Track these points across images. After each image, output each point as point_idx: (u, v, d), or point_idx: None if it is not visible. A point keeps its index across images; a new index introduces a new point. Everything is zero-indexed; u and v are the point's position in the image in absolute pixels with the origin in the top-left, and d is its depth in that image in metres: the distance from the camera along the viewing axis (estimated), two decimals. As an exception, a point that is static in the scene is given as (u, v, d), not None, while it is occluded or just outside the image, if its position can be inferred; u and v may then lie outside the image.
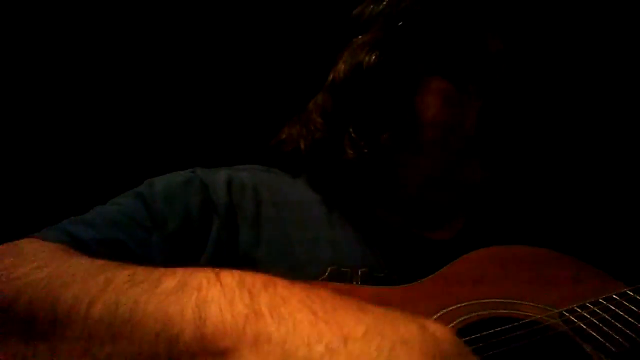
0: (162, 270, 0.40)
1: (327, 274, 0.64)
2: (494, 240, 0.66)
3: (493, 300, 0.56)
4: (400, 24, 0.73)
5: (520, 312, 0.55)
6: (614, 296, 0.56)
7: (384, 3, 0.75)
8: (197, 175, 0.72)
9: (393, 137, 0.72)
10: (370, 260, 0.68)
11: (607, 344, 0.51)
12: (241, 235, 0.68)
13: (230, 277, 0.37)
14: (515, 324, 0.53)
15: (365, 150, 0.71)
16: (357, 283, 0.63)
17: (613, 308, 0.54)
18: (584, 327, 0.53)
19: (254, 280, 0.37)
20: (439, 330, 0.34)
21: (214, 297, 0.35)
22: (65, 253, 0.50)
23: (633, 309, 0.54)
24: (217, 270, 0.38)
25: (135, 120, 1.07)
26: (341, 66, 0.75)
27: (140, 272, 0.40)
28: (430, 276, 0.61)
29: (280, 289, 0.36)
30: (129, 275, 0.39)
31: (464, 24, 0.74)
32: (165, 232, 0.64)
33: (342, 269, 0.65)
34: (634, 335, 0.51)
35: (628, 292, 0.56)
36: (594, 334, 0.52)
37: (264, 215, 0.71)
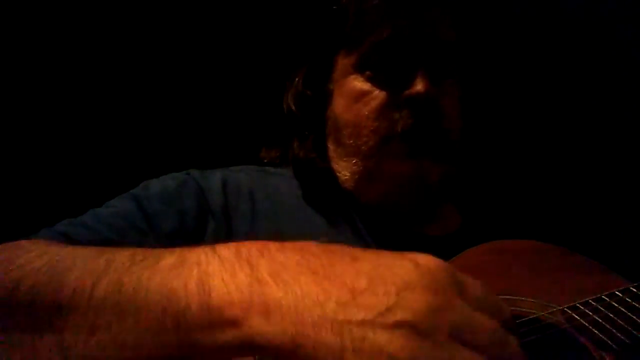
0: (160, 249, 0.40)
1: None
2: (493, 235, 0.66)
3: (494, 297, 0.56)
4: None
5: (522, 309, 0.55)
6: (616, 292, 0.55)
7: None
8: (192, 178, 0.72)
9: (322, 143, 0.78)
10: None
11: (608, 341, 0.50)
12: (237, 236, 0.67)
13: (226, 250, 0.38)
14: (517, 321, 0.52)
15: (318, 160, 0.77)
16: None
17: (615, 305, 0.53)
18: (586, 324, 0.52)
19: (250, 249, 0.37)
20: (430, 262, 0.35)
21: (214, 269, 0.36)
22: (62, 244, 0.51)
23: (635, 306, 0.53)
24: (212, 245, 0.39)
25: (131, 123, 1.07)
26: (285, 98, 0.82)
27: (140, 251, 0.40)
28: None
29: (275, 253, 0.37)
30: (129, 255, 0.40)
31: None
32: (161, 235, 0.63)
33: None
34: (635, 332, 0.50)
35: (631, 288, 0.56)
36: (596, 331, 0.51)
37: (260, 216, 0.70)
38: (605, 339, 0.50)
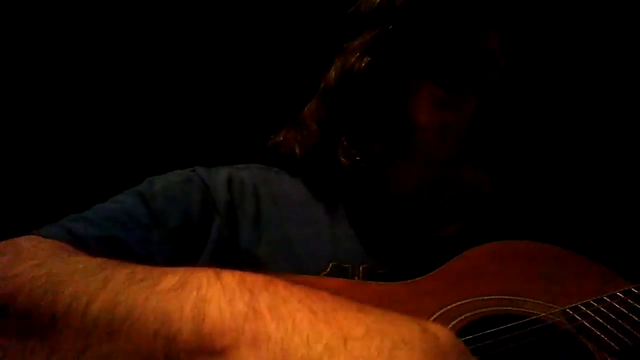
0: (161, 269, 0.39)
1: (328, 269, 0.64)
2: (496, 235, 0.66)
3: (496, 297, 0.56)
4: (390, 27, 0.70)
5: (524, 310, 0.54)
6: (618, 294, 0.55)
7: (375, 4, 0.72)
8: (198, 174, 0.72)
9: (386, 145, 0.72)
10: (371, 256, 0.68)
11: (610, 342, 0.50)
12: (242, 233, 0.67)
13: (230, 277, 0.36)
14: (519, 322, 0.52)
15: (358, 158, 0.71)
16: (358, 279, 0.63)
17: (617, 306, 0.54)
18: (588, 325, 0.52)
19: (255, 280, 0.36)
20: (440, 331, 0.33)
21: (213, 295, 0.35)
22: (64, 251, 0.50)
23: (637, 307, 0.53)
24: (217, 269, 0.38)
25: (136, 120, 1.08)
26: (332, 73, 0.74)
27: (140, 270, 0.39)
28: (432, 272, 0.61)
29: (280, 288, 0.35)
30: (128, 274, 0.39)
31: (457, 23, 0.71)
32: (165, 231, 0.64)
33: (344, 265, 0.64)
34: (637, 334, 0.50)
35: (633, 289, 0.56)
36: (598, 332, 0.51)
37: (265, 213, 0.70)
38: (606, 340, 0.50)
